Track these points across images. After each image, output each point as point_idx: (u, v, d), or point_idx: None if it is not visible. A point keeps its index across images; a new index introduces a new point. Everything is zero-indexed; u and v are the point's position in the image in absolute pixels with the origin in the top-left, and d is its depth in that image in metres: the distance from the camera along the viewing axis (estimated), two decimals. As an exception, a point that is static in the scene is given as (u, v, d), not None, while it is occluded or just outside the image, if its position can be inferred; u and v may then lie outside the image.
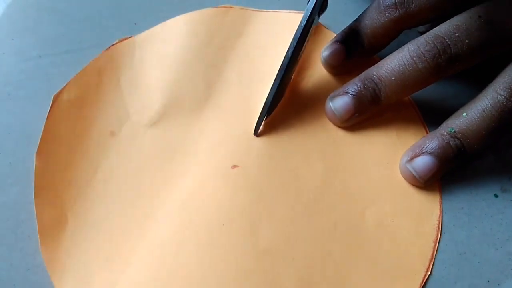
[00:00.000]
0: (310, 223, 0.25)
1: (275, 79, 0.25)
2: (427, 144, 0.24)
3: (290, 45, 0.25)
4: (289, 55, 0.25)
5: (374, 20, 0.26)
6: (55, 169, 0.26)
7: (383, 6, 0.25)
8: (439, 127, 0.25)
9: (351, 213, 0.25)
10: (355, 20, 0.27)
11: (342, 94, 0.26)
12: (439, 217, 0.25)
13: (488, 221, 0.25)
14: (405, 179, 0.25)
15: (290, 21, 0.29)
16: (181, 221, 0.25)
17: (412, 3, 0.25)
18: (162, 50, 0.29)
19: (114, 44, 0.29)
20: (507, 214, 0.25)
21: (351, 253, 0.24)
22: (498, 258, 0.24)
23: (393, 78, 0.24)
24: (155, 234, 0.24)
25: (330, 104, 0.26)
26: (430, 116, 0.27)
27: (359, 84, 0.25)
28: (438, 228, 0.25)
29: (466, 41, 0.23)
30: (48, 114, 0.27)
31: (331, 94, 0.27)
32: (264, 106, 0.26)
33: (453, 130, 0.24)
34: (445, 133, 0.24)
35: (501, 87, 0.23)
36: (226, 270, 0.24)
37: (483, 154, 0.26)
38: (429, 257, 0.24)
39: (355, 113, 0.26)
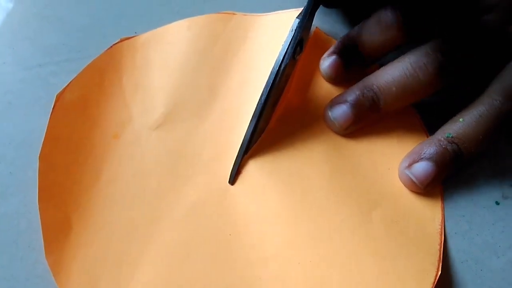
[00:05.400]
0: (317, 224, 0.24)
1: (248, 125, 0.25)
2: (425, 150, 0.25)
3: (262, 92, 0.25)
4: (262, 102, 0.24)
5: (373, 36, 0.26)
6: (58, 171, 0.26)
7: (384, 23, 0.26)
8: (436, 133, 0.25)
9: (358, 213, 0.25)
10: (354, 32, 0.27)
11: (341, 103, 0.26)
12: (441, 222, 0.25)
13: (490, 228, 0.25)
14: (405, 185, 0.25)
15: (292, 20, 0.30)
16: (187, 227, 0.25)
17: (414, 22, 0.25)
18: (165, 51, 0.29)
19: (116, 44, 0.29)
20: (508, 222, 0.25)
21: (360, 252, 0.24)
22: (500, 266, 0.24)
23: (393, 88, 0.25)
24: (162, 239, 0.24)
25: (329, 113, 0.26)
26: (431, 121, 0.27)
27: (357, 92, 0.25)
28: (441, 233, 0.24)
29: (465, 52, 0.24)
30: (51, 114, 0.27)
31: (330, 103, 0.27)
32: (238, 152, 0.26)
33: (450, 136, 0.24)
34: (442, 138, 0.25)
35: (495, 92, 0.24)
36: (233, 277, 0.23)
37: (484, 162, 0.26)
38: (437, 257, 0.24)
39: (354, 121, 0.26)
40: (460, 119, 0.24)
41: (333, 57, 0.27)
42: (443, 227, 0.25)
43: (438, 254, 0.24)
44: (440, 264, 0.23)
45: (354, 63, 0.27)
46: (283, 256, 0.24)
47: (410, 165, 0.25)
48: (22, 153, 0.26)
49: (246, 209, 0.25)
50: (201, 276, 0.23)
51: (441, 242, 0.24)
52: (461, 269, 0.24)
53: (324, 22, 0.30)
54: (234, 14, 0.30)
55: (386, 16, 0.26)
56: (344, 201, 0.25)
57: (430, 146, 0.25)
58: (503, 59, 0.25)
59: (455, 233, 0.25)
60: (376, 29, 0.26)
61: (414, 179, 0.25)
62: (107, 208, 0.25)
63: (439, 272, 0.23)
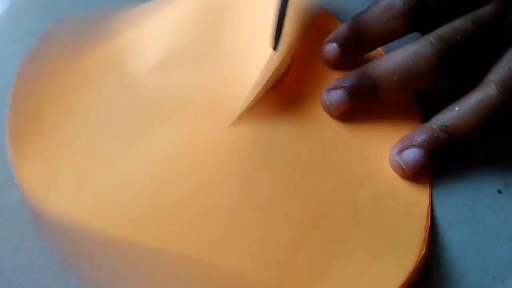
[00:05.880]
0: (307, 186, 0.25)
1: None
2: (417, 137, 0.25)
3: None
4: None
5: (380, 24, 0.26)
6: (39, 71, 0.25)
7: (393, 11, 0.25)
8: (430, 120, 0.25)
9: (345, 190, 0.25)
10: (359, 19, 0.27)
11: (338, 88, 0.26)
12: (428, 207, 0.25)
13: (492, 217, 0.25)
14: (394, 170, 0.26)
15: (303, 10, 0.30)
16: (170, 154, 0.24)
17: (424, 11, 0.25)
18: (162, 15, 0.29)
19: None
20: (511, 210, 0.25)
21: (345, 221, 0.24)
22: (503, 254, 0.24)
23: (394, 77, 0.25)
24: (144, 154, 0.24)
25: (325, 96, 0.26)
26: (428, 107, 0.27)
27: (356, 79, 0.26)
28: (428, 217, 0.25)
29: (465, 44, 0.24)
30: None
31: (328, 86, 0.27)
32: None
33: (444, 124, 0.24)
34: (435, 126, 0.25)
35: (492, 82, 0.24)
36: (219, 218, 0.23)
37: (487, 150, 0.26)
38: (422, 238, 0.24)
39: (348, 107, 0.26)
40: (456, 108, 0.25)
41: (333, 44, 0.27)
42: (429, 212, 0.25)
43: (423, 236, 0.24)
44: (425, 245, 0.24)
45: (355, 50, 0.27)
46: (271, 208, 0.24)
47: (400, 151, 0.25)
48: (26, 144, 0.26)
49: (238, 159, 0.25)
50: (181, 210, 0.23)
51: (427, 225, 0.24)
52: (464, 257, 0.24)
53: (331, 2, 0.30)
54: None
55: (395, 3, 0.26)
56: (333, 177, 0.25)
57: (422, 133, 0.25)
58: (500, 50, 0.25)
59: (457, 221, 0.25)
60: (383, 17, 0.26)
61: (403, 165, 0.25)
62: (87, 116, 0.25)
63: (423, 251, 0.23)
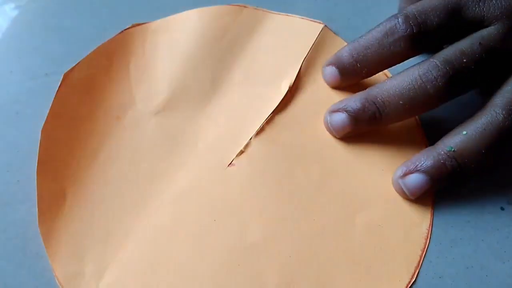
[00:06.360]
0: (300, 223, 0.25)
1: None
2: (422, 162, 0.24)
3: None
4: None
5: (380, 49, 0.25)
6: (59, 146, 0.27)
7: (394, 35, 0.25)
8: (436, 144, 0.25)
9: (342, 216, 0.25)
10: (358, 45, 0.26)
11: (341, 111, 0.26)
12: (429, 227, 0.25)
13: (495, 234, 0.25)
14: (397, 192, 0.26)
15: (303, 27, 0.30)
16: (175, 211, 0.25)
17: (427, 33, 0.24)
18: (174, 39, 0.30)
19: (127, 29, 0.30)
20: (513, 227, 0.25)
21: (336, 256, 0.24)
22: (506, 271, 0.24)
23: (400, 101, 0.24)
24: (150, 221, 0.25)
25: (328, 118, 0.26)
26: (431, 129, 0.27)
27: (359, 104, 0.25)
28: (427, 237, 0.25)
29: (472, 66, 0.24)
30: (57, 91, 0.28)
31: (331, 107, 0.27)
32: None
33: (452, 149, 0.24)
34: (442, 152, 0.24)
35: (498, 106, 0.24)
36: (213, 261, 0.24)
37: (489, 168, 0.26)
38: (415, 264, 0.24)
39: (350, 131, 0.26)
40: (463, 132, 0.24)
41: (333, 68, 0.27)
42: (430, 232, 0.25)
43: (417, 260, 0.24)
44: (417, 271, 0.24)
45: (356, 76, 0.27)
46: (262, 249, 0.24)
47: (404, 175, 0.25)
48: (30, 162, 0.26)
49: (233, 200, 0.26)
50: (182, 260, 0.24)
51: (425, 247, 0.24)
52: (467, 274, 0.24)
53: (333, 19, 0.30)
54: (245, 7, 0.31)
55: (397, 26, 0.25)
56: (330, 203, 0.25)
57: (428, 158, 0.24)
58: (505, 71, 0.25)
59: (461, 238, 0.25)
60: (385, 41, 0.25)
61: (405, 190, 0.25)
62: (101, 186, 0.26)
63: (413, 280, 0.24)
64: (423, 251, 0.24)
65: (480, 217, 0.25)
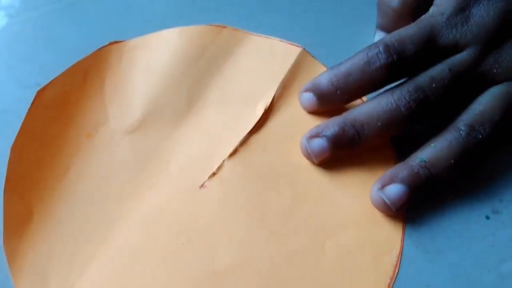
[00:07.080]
0: (269, 248, 0.25)
1: None
2: (398, 174, 0.25)
3: None
4: None
5: (359, 76, 0.26)
6: (27, 164, 0.26)
7: (373, 64, 0.26)
8: (408, 158, 0.26)
9: (311, 243, 0.25)
10: (338, 72, 0.26)
11: (319, 137, 0.26)
12: (399, 255, 0.25)
13: (481, 243, 0.25)
14: (376, 207, 0.26)
15: (281, 50, 0.30)
16: (143, 233, 0.25)
17: (405, 62, 0.25)
18: (150, 58, 0.30)
19: (103, 47, 0.30)
20: (498, 236, 0.25)
21: (305, 283, 0.24)
22: (491, 279, 0.24)
23: (378, 123, 0.25)
24: (117, 242, 0.25)
25: (306, 144, 0.26)
26: (402, 149, 0.27)
27: (337, 128, 0.26)
28: (396, 265, 0.25)
29: (441, 91, 0.25)
30: (29, 109, 0.27)
31: (308, 133, 0.27)
32: None
33: (423, 160, 0.25)
34: (414, 164, 0.25)
35: (461, 123, 0.25)
36: (179, 287, 0.24)
37: (474, 177, 0.27)
38: None
39: (329, 156, 0.26)
40: (432, 145, 0.25)
41: (311, 95, 0.28)
42: (399, 260, 0.25)
43: None
44: None
45: (333, 102, 0.27)
46: (230, 275, 0.24)
47: (383, 187, 0.25)
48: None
49: (203, 223, 0.25)
50: (148, 284, 0.24)
51: (394, 275, 0.24)
52: (454, 284, 0.24)
53: (312, 43, 0.31)
54: (224, 27, 0.31)
55: (379, 55, 0.26)
56: (300, 228, 0.25)
57: (403, 170, 0.25)
58: (473, 94, 0.26)
59: (447, 247, 0.25)
60: (366, 68, 0.26)
61: (387, 200, 0.25)
62: (69, 205, 0.26)
63: None
64: (392, 279, 0.24)
65: (466, 226, 0.26)
